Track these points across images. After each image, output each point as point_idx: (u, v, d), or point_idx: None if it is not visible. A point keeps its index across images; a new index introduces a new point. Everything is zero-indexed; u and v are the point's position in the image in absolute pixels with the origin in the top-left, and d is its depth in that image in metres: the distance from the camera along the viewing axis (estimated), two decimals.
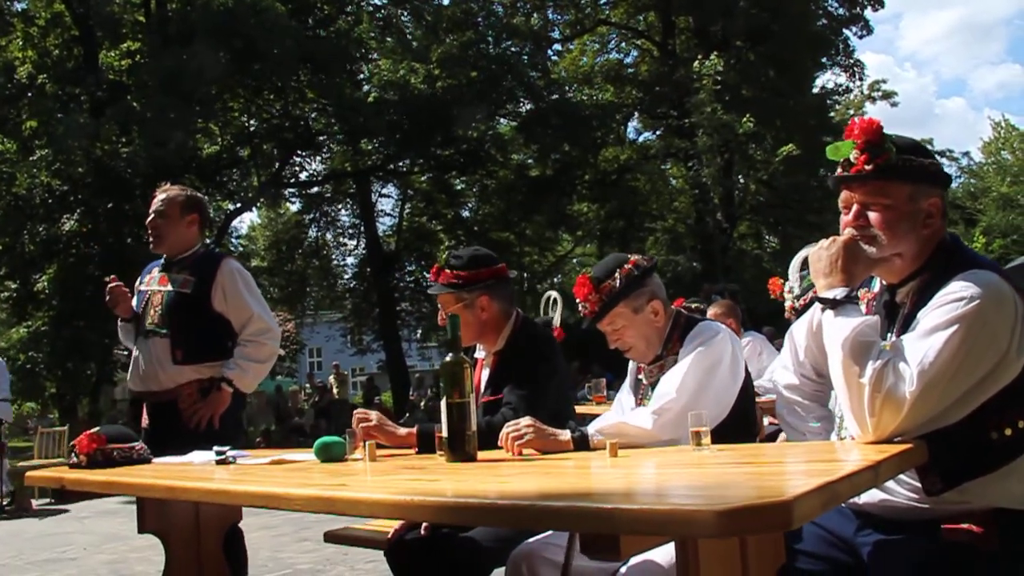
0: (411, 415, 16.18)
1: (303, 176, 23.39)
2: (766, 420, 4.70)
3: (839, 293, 1.98)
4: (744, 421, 2.66)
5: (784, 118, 23.35)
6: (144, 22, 19.01)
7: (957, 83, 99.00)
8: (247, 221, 31.66)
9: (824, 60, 27.07)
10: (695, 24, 25.23)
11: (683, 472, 1.98)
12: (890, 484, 1.95)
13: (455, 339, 2.43)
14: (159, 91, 16.60)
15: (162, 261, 4.06)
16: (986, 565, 1.85)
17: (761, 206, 25.70)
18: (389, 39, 21.99)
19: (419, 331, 25.48)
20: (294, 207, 25.97)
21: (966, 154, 37.49)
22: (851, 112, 26.86)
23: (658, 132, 26.79)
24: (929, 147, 2.17)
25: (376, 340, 24.67)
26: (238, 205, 21.36)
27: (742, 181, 25.07)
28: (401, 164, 22.55)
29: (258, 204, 23.43)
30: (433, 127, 19.47)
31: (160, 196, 4.01)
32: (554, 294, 5.82)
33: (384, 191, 25.02)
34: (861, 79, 28.17)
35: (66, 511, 9.35)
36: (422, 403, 19.02)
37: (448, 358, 2.36)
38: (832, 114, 26.46)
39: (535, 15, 25.43)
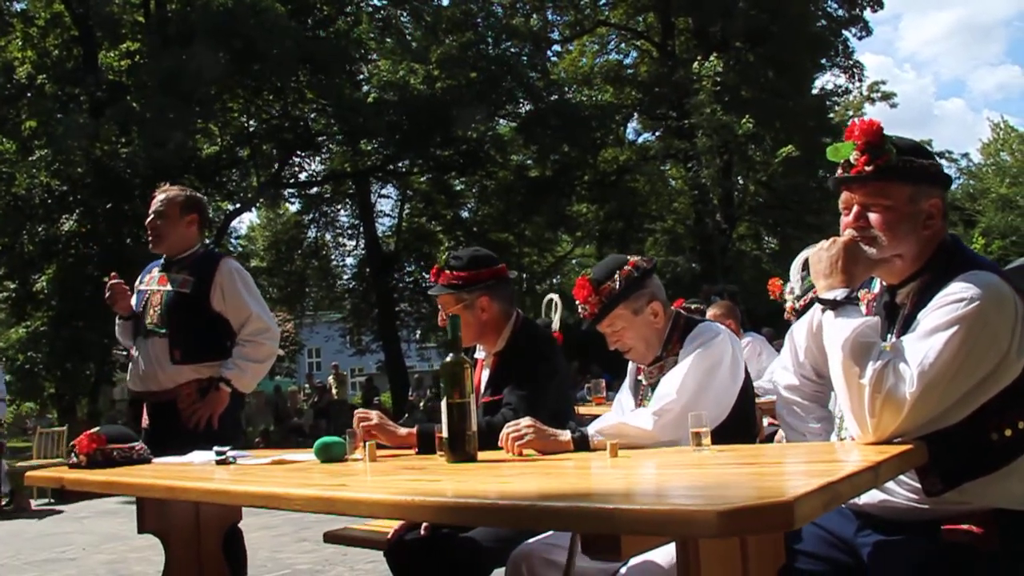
0: (410, 416, 16.17)
1: (302, 176, 23.42)
2: (765, 421, 4.71)
3: (839, 294, 1.98)
4: (744, 422, 2.66)
5: (783, 119, 23.37)
6: (143, 22, 19.00)
7: (956, 84, 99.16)
8: (246, 221, 31.71)
9: (823, 61, 27.09)
10: (694, 25, 25.24)
11: (683, 472, 1.98)
12: (890, 485, 1.95)
13: (455, 339, 2.43)
14: (158, 91, 16.60)
15: (162, 261, 4.07)
16: (986, 565, 1.85)
17: (760, 207, 25.71)
18: (388, 40, 22.00)
19: (418, 332, 25.49)
20: (293, 207, 26.02)
21: (965, 155, 37.63)
22: (850, 113, 26.92)
23: (657, 133, 26.81)
24: (928, 148, 2.17)
25: (375, 341, 24.68)
26: (237, 205, 21.37)
27: (741, 182, 25.09)
28: (400, 165, 22.55)
29: (257, 204, 23.44)
30: (432, 128, 19.48)
31: (159, 196, 4.02)
32: (554, 297, 5.82)
33: (383, 192, 25.08)
34: (860, 80, 28.25)
35: (65, 511, 9.35)
36: (421, 404, 19.03)
37: (448, 358, 2.36)
38: (831, 115, 26.49)
39: (535, 16, 25.45)
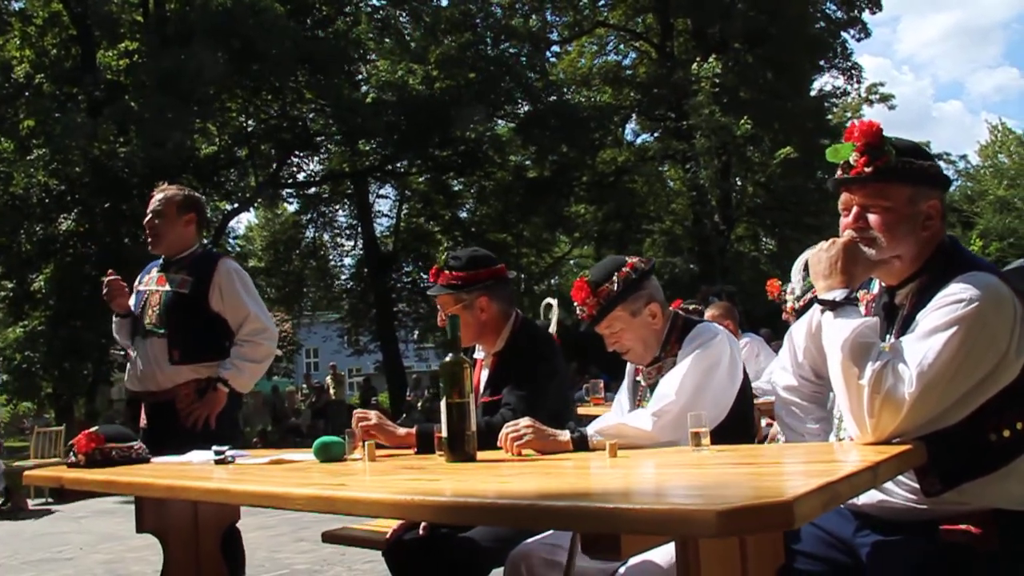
0: (408, 416, 16.17)
1: (301, 176, 23.41)
2: (763, 421, 4.71)
3: (838, 295, 1.99)
4: (742, 422, 2.67)
5: (782, 120, 23.38)
6: (142, 22, 19.00)
7: (954, 86, 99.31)
8: (244, 221, 31.73)
9: (822, 63, 27.11)
10: (693, 26, 25.24)
11: (683, 472, 1.98)
12: (889, 485, 1.96)
13: (455, 339, 2.43)
14: (157, 91, 16.59)
15: (160, 261, 4.06)
16: (984, 566, 1.86)
17: (758, 208, 25.72)
18: (387, 40, 22.00)
19: (416, 332, 25.50)
20: (291, 207, 26.03)
21: (963, 157, 37.58)
22: (848, 115, 26.92)
23: (656, 134, 26.80)
24: (927, 150, 2.18)
25: (373, 341, 24.68)
26: (236, 205, 21.37)
27: (740, 183, 25.10)
28: (399, 165, 22.55)
29: (256, 204, 23.43)
30: (431, 128, 19.48)
31: (158, 196, 4.02)
32: (551, 301, 5.82)
33: (382, 192, 25.09)
34: (859, 82, 28.25)
35: (62, 511, 9.35)
36: (419, 404, 19.01)
37: (448, 358, 2.36)
38: (830, 117, 26.50)
39: (533, 16, 25.45)
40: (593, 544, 1.45)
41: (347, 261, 26.21)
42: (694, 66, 21.47)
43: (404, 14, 22.33)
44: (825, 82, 28.03)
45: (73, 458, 2.91)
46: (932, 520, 1.91)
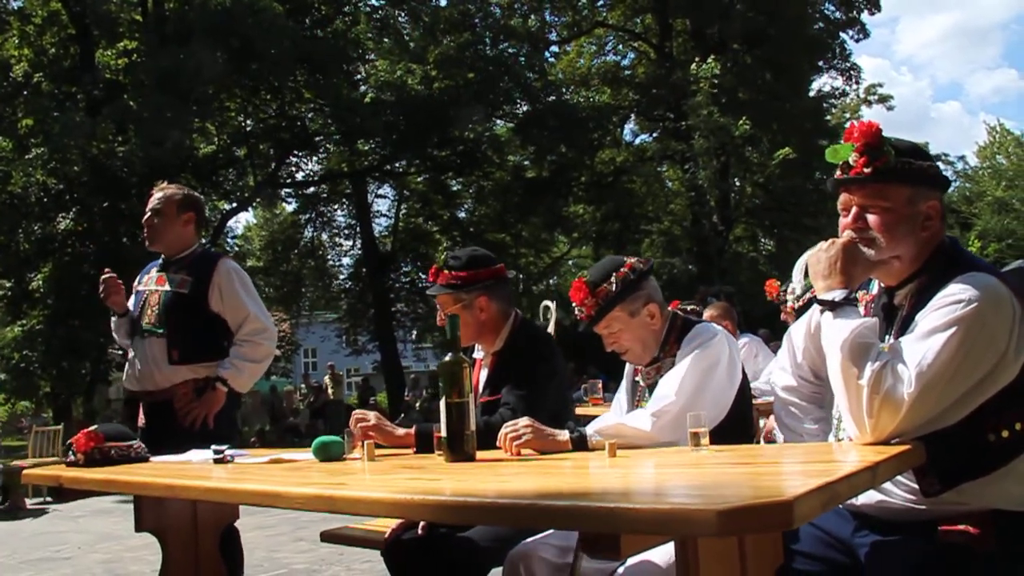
0: (406, 416, 16.17)
1: (299, 176, 23.39)
2: (762, 422, 4.71)
3: (838, 295, 1.99)
4: (741, 423, 2.67)
5: (780, 121, 23.39)
6: (141, 21, 18.98)
7: (953, 87, 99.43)
8: (243, 221, 31.70)
9: (820, 63, 27.11)
10: (692, 27, 25.24)
11: (682, 472, 1.98)
12: (887, 485, 1.96)
13: (454, 339, 2.43)
14: (156, 90, 16.58)
15: (160, 261, 4.06)
16: (983, 566, 1.86)
17: (757, 209, 25.72)
18: (386, 40, 22.00)
19: (414, 332, 25.48)
20: (290, 207, 26.01)
21: (961, 158, 37.64)
22: (847, 116, 26.94)
23: (655, 134, 26.80)
24: (926, 150, 2.18)
25: (371, 341, 24.67)
26: (234, 205, 21.36)
27: (738, 184, 25.10)
28: (397, 165, 22.54)
29: (254, 204, 23.42)
30: (430, 128, 19.47)
31: (157, 194, 4.02)
32: (549, 304, 5.83)
33: (380, 192, 25.07)
34: (857, 83, 28.26)
35: (60, 510, 9.34)
36: (417, 404, 19.02)
37: (447, 358, 2.36)
38: (828, 117, 26.50)
39: (532, 17, 25.44)
40: (593, 544, 1.46)
41: (345, 261, 26.24)
42: (693, 66, 21.48)
43: (403, 14, 22.33)
44: (824, 83, 28.08)
45: (72, 457, 2.91)
46: (931, 520, 1.92)
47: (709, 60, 21.07)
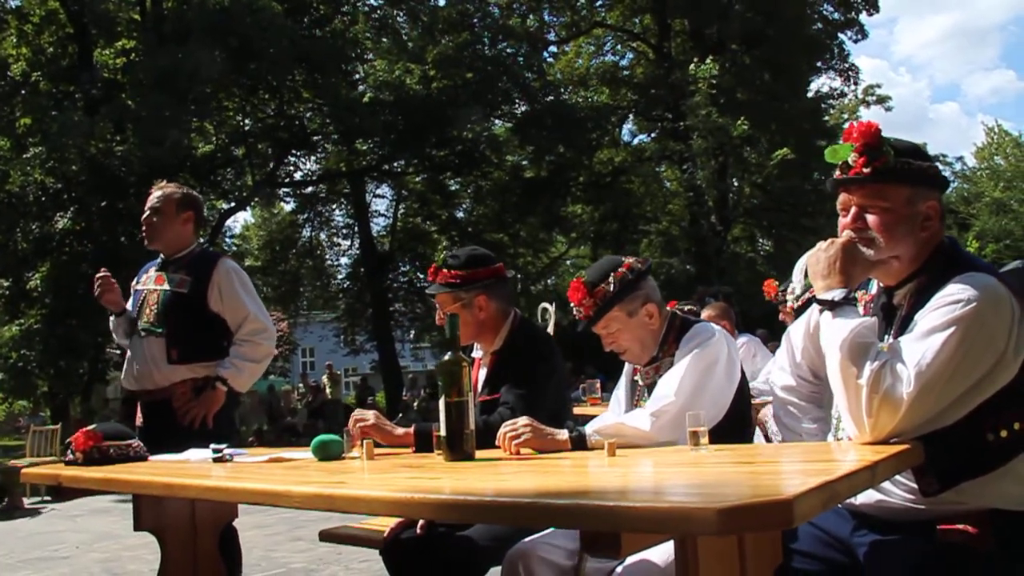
0: (404, 415, 16.16)
1: (297, 176, 23.39)
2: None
3: (837, 295, 1.99)
4: (740, 422, 2.67)
5: (779, 122, 23.39)
6: (139, 20, 18.98)
7: (951, 88, 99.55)
8: (241, 220, 31.64)
9: (819, 64, 27.14)
10: (691, 27, 25.25)
11: (682, 471, 1.98)
12: (886, 485, 1.96)
13: (454, 338, 2.43)
14: (154, 89, 16.57)
15: (159, 260, 4.06)
16: (982, 566, 1.86)
17: (755, 209, 25.73)
18: (385, 39, 21.99)
19: (412, 332, 25.46)
20: (288, 207, 25.98)
21: (959, 159, 37.70)
22: (845, 116, 26.93)
23: (653, 135, 26.81)
24: (926, 151, 2.18)
25: (369, 340, 24.66)
26: (232, 204, 21.35)
27: (736, 184, 25.10)
28: (396, 164, 22.54)
29: (252, 203, 23.40)
30: (428, 128, 19.47)
31: (156, 193, 4.01)
32: (547, 306, 5.83)
33: (378, 191, 25.08)
34: (856, 83, 28.26)
35: (58, 509, 9.33)
36: (415, 404, 19.01)
37: (446, 357, 2.36)
38: (826, 118, 26.50)
39: (531, 17, 25.46)
40: (593, 542, 1.46)
41: (343, 261, 26.23)
42: (691, 67, 21.50)
43: (402, 14, 22.33)
44: (822, 83, 28.12)
45: (71, 456, 2.90)
46: (930, 520, 1.92)
47: (707, 60, 21.09)
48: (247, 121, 21.21)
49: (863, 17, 27.13)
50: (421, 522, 2.86)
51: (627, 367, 2.91)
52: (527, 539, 2.56)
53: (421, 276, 21.58)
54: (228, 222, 22.70)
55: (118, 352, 4.29)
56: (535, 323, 3.25)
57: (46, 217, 17.38)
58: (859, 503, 2.03)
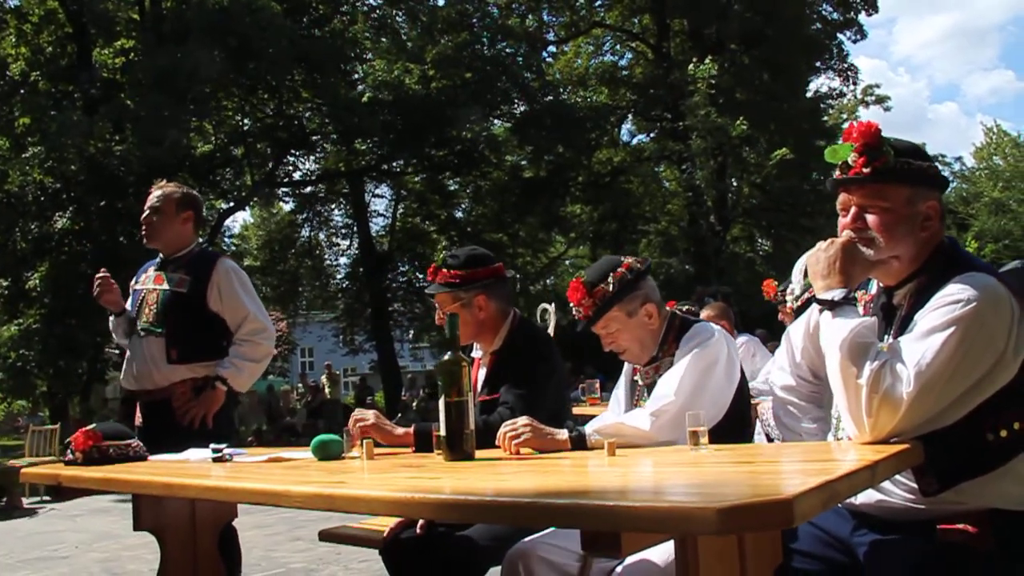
0: (403, 415, 16.16)
1: (296, 176, 23.37)
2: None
3: (837, 294, 1.99)
4: (740, 422, 2.67)
5: (778, 122, 23.40)
6: (138, 20, 18.96)
7: (950, 88, 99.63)
8: (240, 220, 31.60)
9: (818, 64, 27.14)
10: (689, 27, 25.25)
11: (682, 471, 1.98)
12: (886, 484, 1.96)
13: (454, 338, 2.43)
14: (153, 89, 16.55)
15: (158, 260, 4.06)
16: (982, 565, 1.86)
17: (754, 209, 25.73)
18: (384, 39, 21.97)
19: (411, 332, 25.45)
20: (287, 207, 25.94)
21: (958, 159, 37.72)
22: (844, 116, 26.94)
23: (652, 135, 26.80)
24: (925, 151, 2.18)
25: (368, 340, 24.64)
26: (231, 204, 21.33)
27: (735, 184, 25.11)
28: (395, 164, 22.53)
29: (251, 203, 23.39)
30: (427, 128, 19.46)
31: (156, 192, 4.01)
32: (547, 307, 5.83)
33: (377, 191, 25.05)
34: (855, 83, 28.26)
35: (57, 509, 9.33)
36: (414, 404, 19.00)
37: (446, 357, 2.36)
38: (825, 118, 26.51)
39: (530, 17, 25.45)
40: (593, 542, 1.46)
41: (342, 260, 26.19)
42: (690, 67, 21.50)
43: (401, 13, 22.32)
44: (821, 83, 28.13)
45: (70, 456, 2.90)
46: (930, 520, 1.92)
47: (707, 60, 21.09)
48: (246, 121, 21.20)
49: (862, 17, 27.19)
50: (421, 522, 2.86)
51: (627, 367, 2.91)
52: (527, 539, 2.56)
53: (420, 276, 21.58)
54: (227, 222, 22.71)
55: (117, 352, 4.28)
56: (534, 323, 3.25)
57: (45, 217, 17.36)
58: (859, 503, 2.03)
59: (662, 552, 2.11)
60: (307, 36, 19.54)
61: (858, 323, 1.92)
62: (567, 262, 28.71)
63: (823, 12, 26.99)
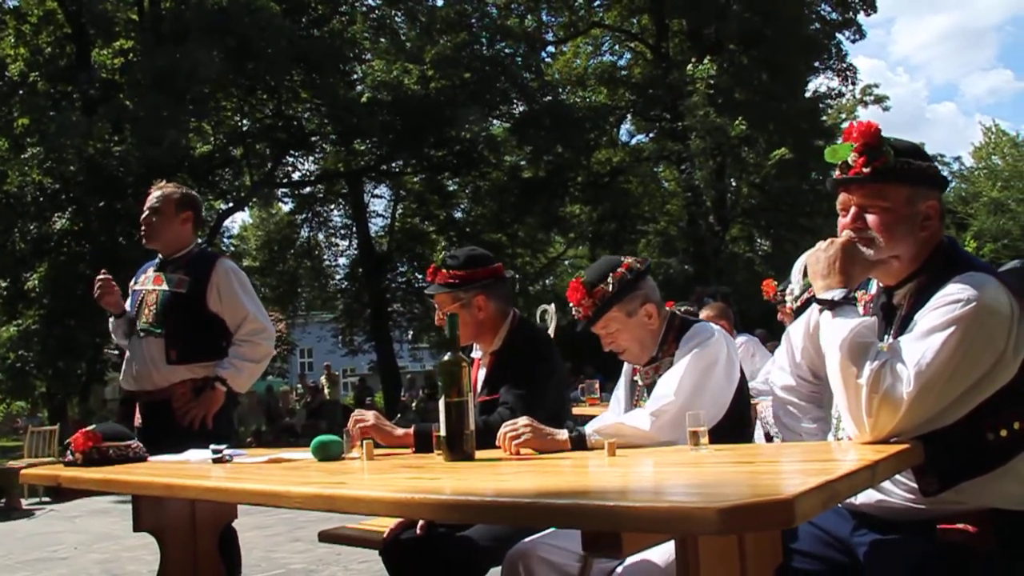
0: (403, 416, 16.16)
1: (295, 176, 23.37)
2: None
3: (837, 294, 2.00)
4: (740, 422, 2.67)
5: (777, 122, 23.39)
6: (137, 20, 18.94)
7: (949, 88, 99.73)
8: (239, 221, 31.58)
9: (817, 64, 27.12)
10: (688, 27, 25.25)
11: (682, 471, 1.99)
12: (886, 484, 1.96)
13: (453, 338, 2.43)
14: (152, 90, 16.53)
15: (157, 261, 4.05)
16: (982, 565, 1.86)
17: (753, 209, 25.73)
18: (383, 40, 21.97)
19: (410, 332, 25.44)
20: (286, 207, 25.91)
21: (957, 159, 37.72)
22: (843, 116, 26.94)
23: (651, 135, 26.80)
24: (925, 151, 2.19)
25: (367, 341, 24.63)
26: (230, 205, 21.31)
27: (734, 184, 25.10)
28: (394, 165, 22.52)
29: (250, 204, 23.37)
30: (426, 128, 19.45)
31: (155, 193, 4.01)
32: (548, 307, 5.82)
33: (376, 192, 25.04)
34: (853, 83, 28.24)
35: (56, 510, 9.32)
36: (413, 404, 19.00)
37: (446, 357, 2.36)
38: (824, 118, 26.51)
39: (529, 17, 25.44)
40: (593, 542, 1.46)
41: (342, 261, 26.16)
42: (689, 67, 21.50)
43: (400, 14, 22.30)
44: (820, 83, 28.11)
45: (70, 457, 2.90)
46: (930, 519, 1.92)
47: (705, 60, 21.09)
48: (245, 121, 21.19)
49: (861, 17, 27.18)
50: (421, 522, 2.86)
51: (626, 367, 2.91)
52: (527, 539, 2.56)
53: (419, 276, 21.58)
54: (226, 222, 22.68)
55: (116, 353, 4.28)
56: (534, 323, 3.24)
57: (44, 217, 17.34)
58: (859, 503, 2.03)
59: (663, 552, 2.11)
60: (306, 36, 19.52)
61: (858, 323, 1.92)
62: (566, 262, 28.70)
63: (822, 12, 27.00)
